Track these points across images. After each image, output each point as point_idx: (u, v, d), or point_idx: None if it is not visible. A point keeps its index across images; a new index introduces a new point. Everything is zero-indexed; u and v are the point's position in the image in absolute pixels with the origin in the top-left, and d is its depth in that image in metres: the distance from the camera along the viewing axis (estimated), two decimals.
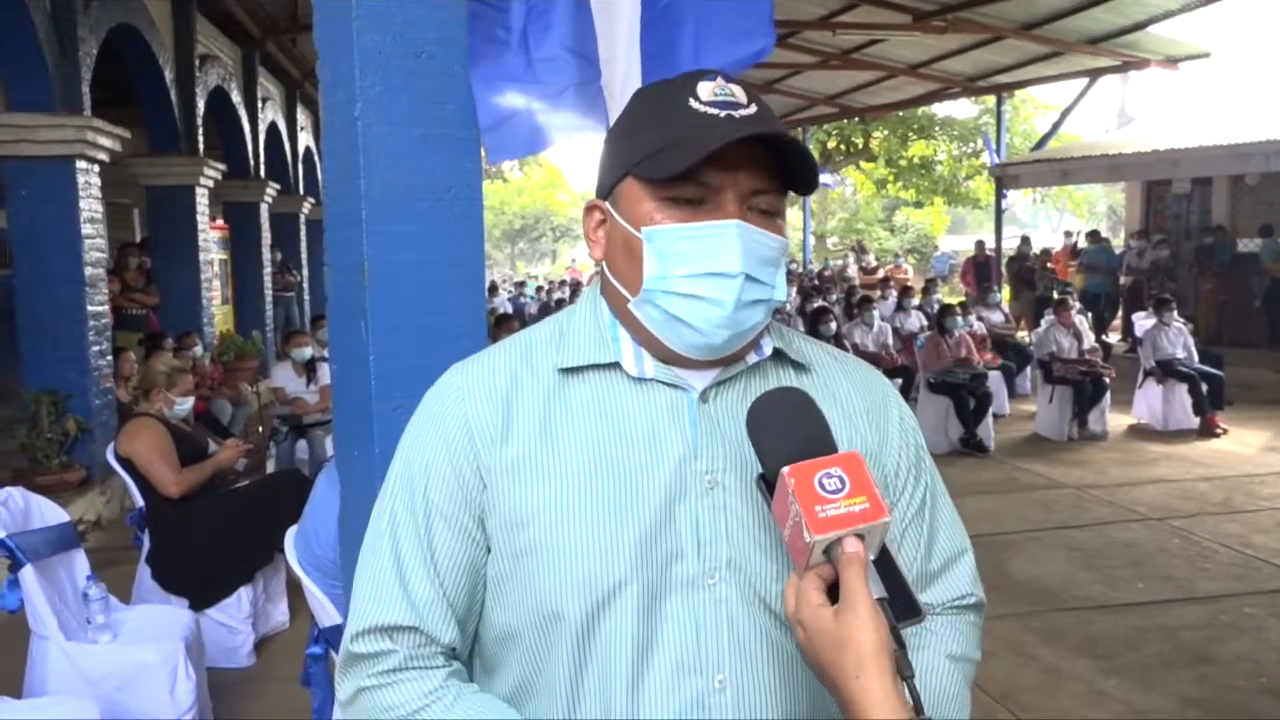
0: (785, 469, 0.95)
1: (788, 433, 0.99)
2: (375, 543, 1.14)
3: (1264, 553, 5.45)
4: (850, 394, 1.19)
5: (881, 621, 0.90)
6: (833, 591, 0.93)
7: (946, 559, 1.21)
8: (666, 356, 1.12)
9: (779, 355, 1.18)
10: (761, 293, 1.08)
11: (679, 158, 1.03)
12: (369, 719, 1.09)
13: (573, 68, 2.58)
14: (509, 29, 2.54)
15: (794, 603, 0.95)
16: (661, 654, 1.06)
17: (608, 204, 1.14)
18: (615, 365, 1.13)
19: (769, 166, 1.07)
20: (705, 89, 1.07)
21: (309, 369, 7.33)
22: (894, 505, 1.17)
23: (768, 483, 1.00)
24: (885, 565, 0.96)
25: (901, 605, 0.94)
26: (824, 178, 21.16)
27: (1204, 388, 8.70)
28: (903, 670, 0.89)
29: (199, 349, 8.35)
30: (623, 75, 2.56)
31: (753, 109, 1.07)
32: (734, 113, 1.05)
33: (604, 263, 1.16)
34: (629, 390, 1.12)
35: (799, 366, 1.18)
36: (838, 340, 8.97)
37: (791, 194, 1.13)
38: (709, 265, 1.05)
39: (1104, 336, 13.52)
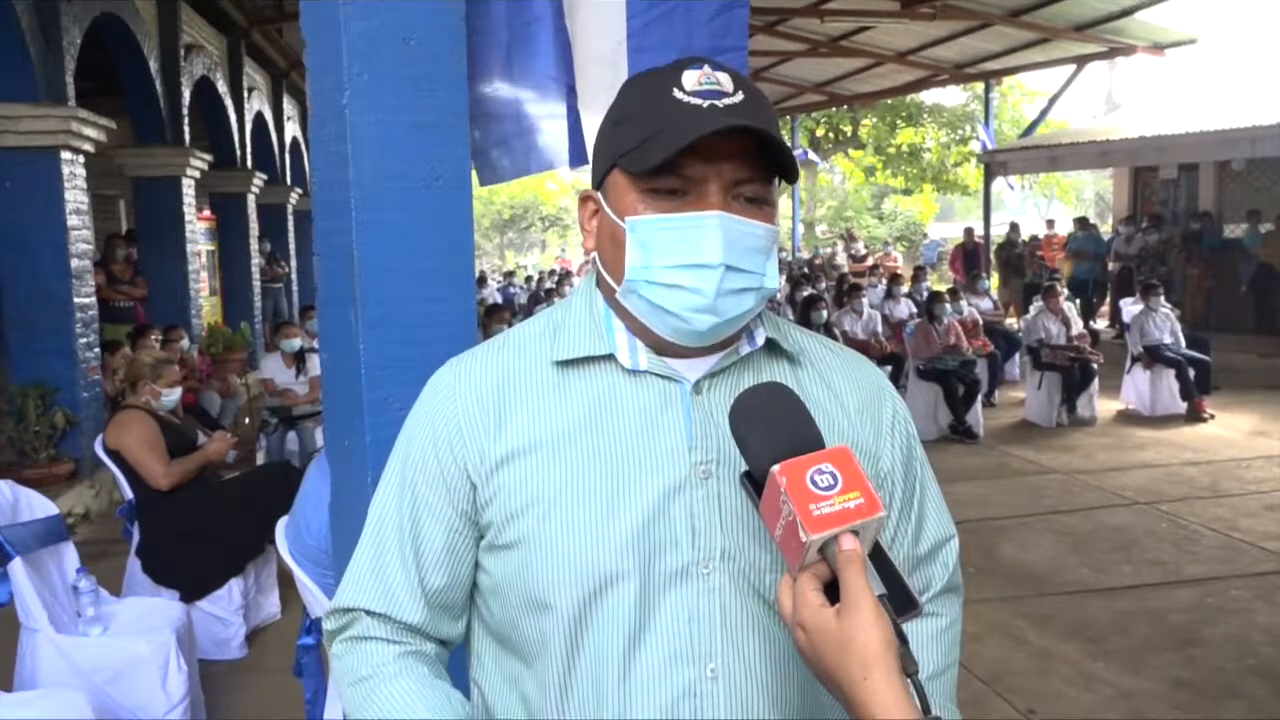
0: (775, 467, 0.93)
1: (773, 429, 0.97)
2: (364, 533, 1.19)
3: (1250, 536, 5.49)
4: (845, 387, 1.19)
5: (885, 619, 0.88)
6: (829, 589, 0.92)
7: (934, 544, 1.22)
8: (659, 346, 1.12)
9: (772, 346, 1.17)
10: (748, 281, 1.07)
11: (658, 150, 1.02)
12: (342, 685, 1.17)
13: (554, 96, 2.61)
14: (494, 45, 2.56)
15: (791, 605, 0.93)
16: (653, 643, 1.06)
17: (599, 194, 1.14)
18: (610, 357, 1.13)
19: (754, 155, 1.06)
20: (690, 78, 1.05)
21: (298, 360, 7.31)
22: (888, 496, 1.18)
23: (754, 481, 0.98)
24: (880, 559, 0.94)
25: (900, 599, 0.92)
26: (811, 157, 21.17)
27: (1191, 373, 8.74)
28: (907, 667, 0.88)
29: (185, 342, 8.31)
30: (605, 102, 2.58)
31: (738, 97, 1.05)
32: (718, 102, 1.04)
33: (595, 252, 1.16)
34: (623, 382, 1.12)
35: (793, 358, 1.18)
36: (828, 328, 8.98)
37: (781, 181, 1.13)
38: (689, 256, 1.05)
39: (1092, 323, 13.57)
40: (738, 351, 1.14)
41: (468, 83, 2.60)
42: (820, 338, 1.27)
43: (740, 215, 1.06)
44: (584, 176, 1.23)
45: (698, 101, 1.04)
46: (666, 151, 1.01)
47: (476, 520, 1.13)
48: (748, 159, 1.05)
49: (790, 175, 1.09)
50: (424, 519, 1.14)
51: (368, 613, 1.15)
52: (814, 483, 0.92)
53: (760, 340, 1.16)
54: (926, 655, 1.16)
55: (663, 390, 1.11)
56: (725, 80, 1.06)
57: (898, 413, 1.22)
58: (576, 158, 2.63)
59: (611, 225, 1.10)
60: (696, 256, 1.05)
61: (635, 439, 1.09)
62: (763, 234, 1.08)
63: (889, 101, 21.19)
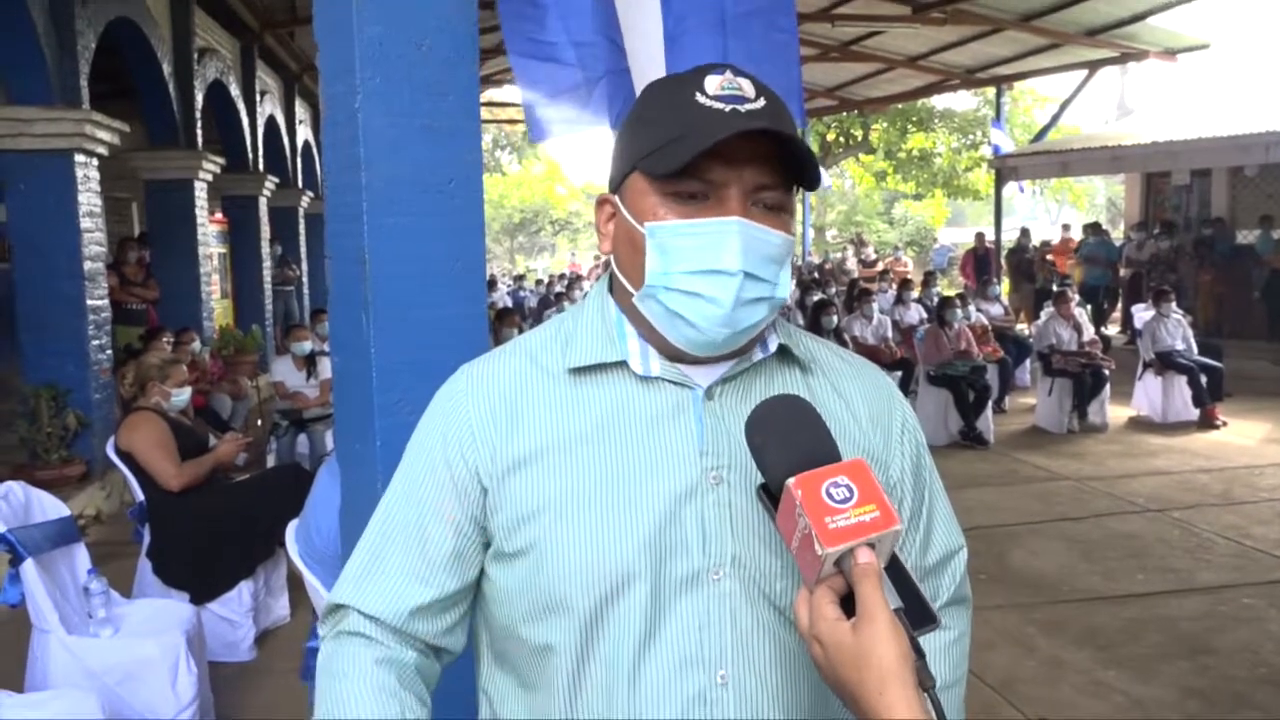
0: (790, 480, 0.92)
1: (789, 442, 0.97)
2: (367, 532, 1.18)
3: (1263, 544, 5.46)
4: (856, 395, 1.19)
5: (901, 633, 0.88)
6: (845, 602, 0.91)
7: (943, 554, 1.22)
8: (671, 353, 1.12)
9: (784, 352, 1.17)
10: (763, 290, 1.07)
11: (679, 153, 1.02)
12: (318, 674, 1.15)
13: (607, 54, 2.62)
14: (538, 4, 2.57)
15: (808, 618, 0.93)
16: (664, 648, 1.06)
17: (617, 198, 1.14)
18: (622, 364, 1.12)
19: (775, 162, 1.05)
20: (713, 83, 1.05)
21: (309, 363, 7.33)
22: (897, 504, 1.17)
23: (770, 494, 0.97)
24: (896, 572, 0.94)
25: (917, 613, 0.91)
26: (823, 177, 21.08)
27: (1203, 379, 8.70)
28: (924, 681, 0.88)
29: (197, 344, 8.35)
30: (643, 65, 2.61)
31: (760, 103, 1.05)
32: (740, 107, 1.03)
33: (611, 256, 1.16)
34: (636, 389, 1.12)
35: (804, 366, 1.18)
36: (838, 333, 8.97)
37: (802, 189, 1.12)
38: (709, 262, 1.05)
39: (1103, 329, 13.52)
40: (750, 358, 1.14)
41: (514, 32, 2.60)
42: (831, 345, 1.26)
43: (760, 222, 1.06)
44: (596, 181, 1.23)
45: (719, 106, 1.03)
46: (689, 154, 1.01)
47: (485, 525, 1.12)
48: (769, 165, 1.05)
49: (811, 182, 1.09)
50: (431, 523, 1.13)
51: (359, 612, 1.14)
52: (829, 496, 0.91)
53: (773, 347, 1.16)
54: (936, 668, 1.16)
55: (675, 396, 1.11)
56: (747, 86, 1.06)
57: (907, 421, 1.22)
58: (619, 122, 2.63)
59: (629, 229, 1.10)
60: (716, 263, 1.05)
61: (647, 445, 1.09)
62: (780, 243, 1.08)
63: (900, 106, 21.17)
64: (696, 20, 2.52)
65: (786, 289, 1.10)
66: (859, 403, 1.18)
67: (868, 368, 1.25)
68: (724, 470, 1.08)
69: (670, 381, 1.12)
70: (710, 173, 1.04)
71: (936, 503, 1.23)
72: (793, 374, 1.17)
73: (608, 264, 1.18)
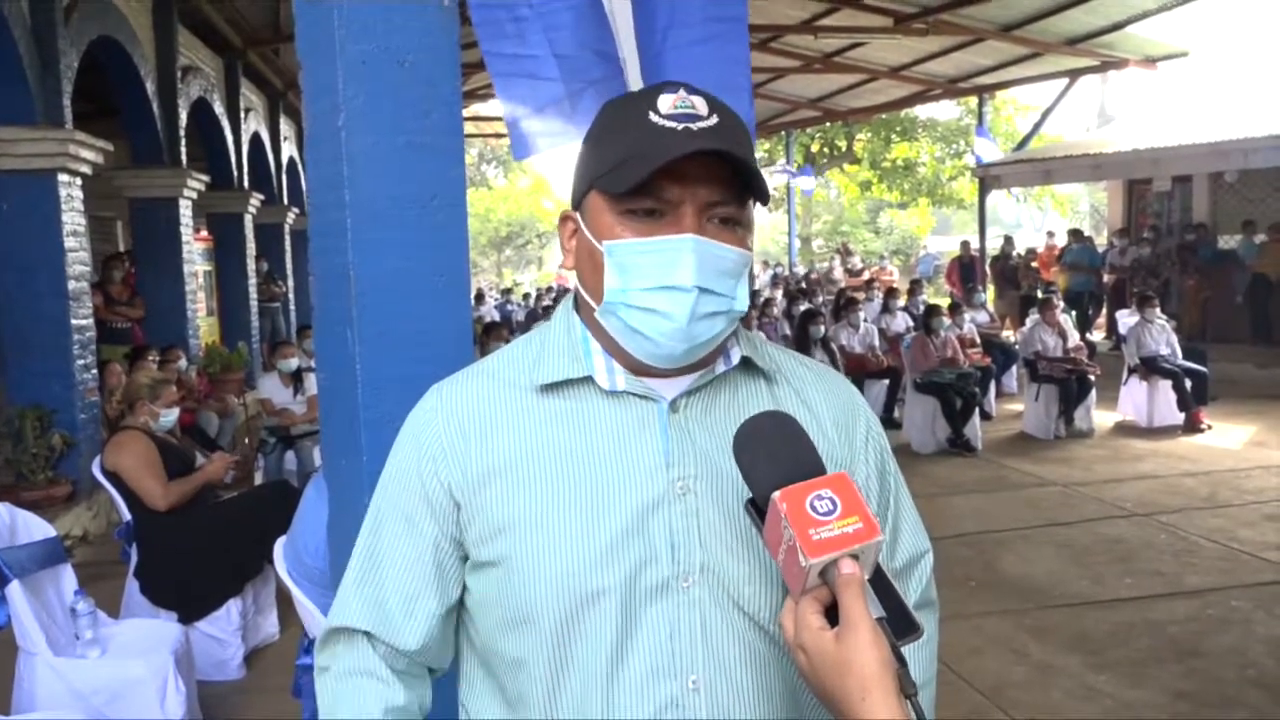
0: (776, 494, 0.95)
1: (775, 457, 1.00)
2: (354, 555, 1.21)
3: (1250, 546, 5.49)
4: (821, 403, 1.21)
5: (883, 641, 0.90)
6: (830, 613, 0.93)
7: (909, 558, 1.25)
8: (636, 367, 1.14)
9: (747, 364, 1.19)
10: (719, 304, 1.09)
11: (633, 173, 1.04)
12: (321, 707, 1.18)
13: (591, 65, 2.64)
14: (518, 20, 2.59)
15: (793, 628, 0.95)
16: (636, 657, 1.08)
17: (578, 215, 1.16)
18: (588, 379, 1.15)
19: (728, 178, 1.08)
20: (666, 101, 1.08)
21: (296, 380, 7.32)
22: None
23: (757, 508, 1.00)
24: (880, 583, 0.96)
25: (900, 622, 0.93)
26: (803, 180, 21.14)
27: (1188, 384, 8.76)
28: (906, 688, 0.89)
29: (183, 362, 8.31)
30: (634, 76, 2.65)
31: (713, 120, 1.07)
32: (692, 125, 1.06)
33: (575, 272, 1.18)
34: (602, 403, 1.14)
35: (769, 376, 1.20)
36: (825, 343, 9.00)
37: (777, 196, 1.14)
38: (664, 279, 1.07)
39: (1088, 335, 13.59)
40: (713, 370, 1.17)
41: (493, 53, 2.63)
42: (795, 354, 1.29)
43: (714, 238, 1.08)
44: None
45: (672, 124, 1.06)
46: (642, 173, 1.03)
47: (461, 540, 1.15)
48: (722, 182, 1.08)
49: (762, 197, 1.11)
50: (411, 542, 1.15)
51: (364, 634, 1.17)
52: (813, 508, 0.94)
53: (736, 359, 1.18)
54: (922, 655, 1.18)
55: (640, 409, 1.14)
56: (700, 104, 1.09)
57: (871, 427, 1.25)
58: None
59: (590, 247, 1.12)
60: (671, 279, 1.07)
61: (614, 458, 1.11)
62: (734, 258, 1.10)
63: (883, 116, 21.27)
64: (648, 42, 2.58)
65: (744, 301, 1.12)
66: (824, 410, 1.21)
67: (832, 375, 1.28)
68: (690, 480, 1.11)
69: (635, 395, 1.14)
70: (665, 191, 1.06)
71: (902, 507, 1.26)
72: (757, 385, 1.19)
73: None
